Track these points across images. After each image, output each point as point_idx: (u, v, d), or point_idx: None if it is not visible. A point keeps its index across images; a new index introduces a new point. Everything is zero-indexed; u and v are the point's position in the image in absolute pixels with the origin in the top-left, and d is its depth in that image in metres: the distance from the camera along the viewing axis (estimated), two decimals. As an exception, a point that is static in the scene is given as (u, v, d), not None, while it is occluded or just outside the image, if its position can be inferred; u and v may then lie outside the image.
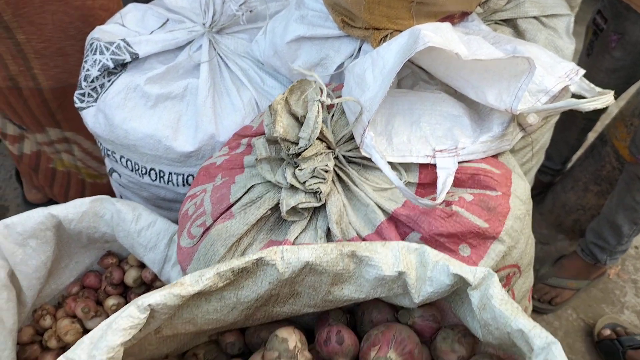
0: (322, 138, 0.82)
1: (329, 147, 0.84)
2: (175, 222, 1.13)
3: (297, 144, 0.80)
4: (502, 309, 0.59)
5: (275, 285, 0.64)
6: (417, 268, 0.65)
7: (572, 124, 1.83)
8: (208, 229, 0.86)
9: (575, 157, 1.95)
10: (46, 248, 1.09)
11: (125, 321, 0.57)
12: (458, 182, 0.84)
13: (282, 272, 0.63)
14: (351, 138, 0.87)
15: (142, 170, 1.15)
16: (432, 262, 0.65)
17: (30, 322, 1.19)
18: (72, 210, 1.07)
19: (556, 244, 1.94)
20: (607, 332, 1.68)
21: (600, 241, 1.66)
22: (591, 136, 1.87)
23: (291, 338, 0.67)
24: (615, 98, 0.86)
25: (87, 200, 1.08)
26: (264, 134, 0.86)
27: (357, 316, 0.75)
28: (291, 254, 0.63)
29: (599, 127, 1.84)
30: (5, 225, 1.04)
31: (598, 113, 1.77)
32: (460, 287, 0.65)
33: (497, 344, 0.63)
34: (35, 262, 1.08)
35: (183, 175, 1.14)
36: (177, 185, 1.15)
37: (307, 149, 0.79)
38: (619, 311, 1.80)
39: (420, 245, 0.67)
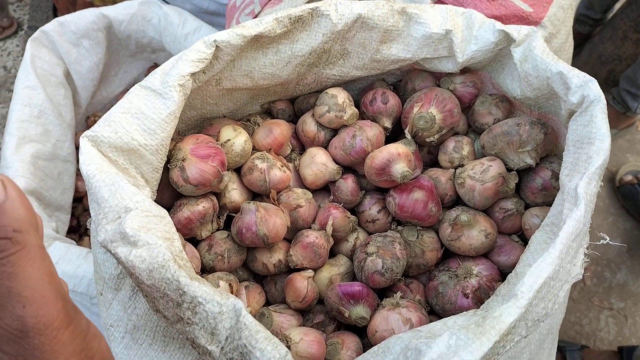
0: None
1: None
2: (219, 32, 1.16)
3: None
4: (543, 56, 0.63)
5: (328, 38, 0.68)
6: (463, 29, 0.69)
7: (619, -35, 1.76)
8: (256, 16, 0.89)
9: (617, 7, 1.89)
10: (98, 50, 1.14)
11: (193, 54, 0.62)
12: (505, -28, 0.84)
13: (336, 22, 0.66)
14: None
15: (186, -22, 1.16)
16: (479, 23, 0.67)
17: (84, 127, 1.28)
18: (122, 12, 1.10)
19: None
20: (629, 177, 1.74)
21: (633, 88, 1.66)
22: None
23: (340, 95, 0.73)
24: None
25: (135, 2, 1.11)
26: None
27: (399, 88, 0.80)
28: (344, 6, 0.66)
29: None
30: (60, 23, 1.08)
31: (649, -48, 1.69)
32: (502, 48, 0.68)
33: (534, 98, 0.67)
34: (88, 62, 1.14)
35: (226, -17, 1.15)
36: (221, -6, 1.17)
37: None
38: (643, 160, 1.84)
39: (467, 10, 0.69)
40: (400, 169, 0.67)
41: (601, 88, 1.74)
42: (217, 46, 0.63)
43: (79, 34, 1.10)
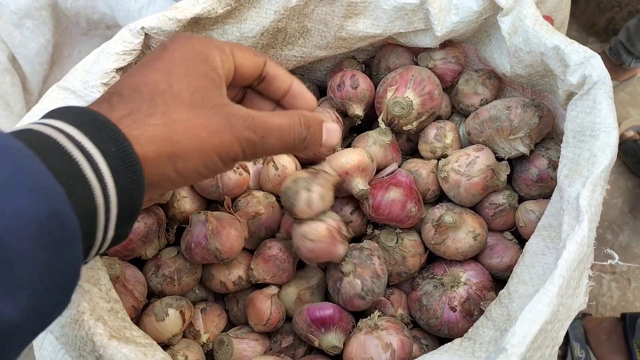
0: None
1: None
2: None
3: None
4: (536, 28, 0.52)
5: (282, 16, 0.57)
6: (441, -3, 0.58)
7: None
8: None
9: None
10: (44, 30, 1.02)
11: (118, 45, 0.52)
12: None
13: (289, -3, 0.56)
14: None
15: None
16: (459, -12, 0.57)
17: (42, 114, 1.17)
18: (65, -14, 0.99)
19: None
20: (631, 133, 1.65)
21: (628, 44, 1.56)
22: None
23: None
24: None
25: (79, -26, 0.99)
26: None
27: (372, 66, 0.70)
28: (299, -23, 0.56)
29: None
30: (-4, 2, 0.97)
31: None
32: (488, 18, 0.58)
33: (526, 75, 0.57)
34: (35, 45, 1.03)
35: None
36: (177, -40, 1.05)
37: None
38: (646, 114, 1.74)
39: (445, -28, 0.59)
40: (355, 187, 0.58)
41: (600, 38, 1.63)
42: (146, 34, 0.53)
43: (20, 14, 0.98)
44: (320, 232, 0.54)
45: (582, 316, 1.43)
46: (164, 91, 0.33)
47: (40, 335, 0.52)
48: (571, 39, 0.52)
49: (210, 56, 0.36)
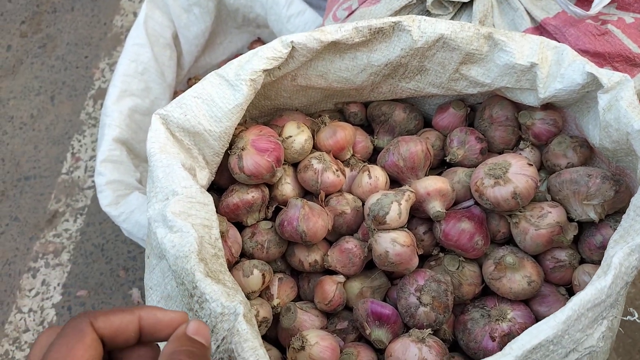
0: None
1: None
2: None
3: None
4: (628, 109, 0.58)
5: (407, 53, 0.67)
6: (551, 65, 0.65)
7: None
8: (352, 12, 0.89)
9: None
10: (207, 18, 1.19)
11: (269, 51, 0.64)
12: (622, 4, 0.78)
13: (416, 39, 0.65)
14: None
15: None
16: (569, 60, 0.63)
17: (185, 88, 1.35)
18: (233, -14, 1.15)
19: None
20: None
21: None
22: None
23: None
24: None
25: (247, -21, 1.15)
26: None
27: (477, 111, 0.77)
28: (428, 24, 0.65)
29: None
30: (175, -11, 1.14)
31: None
32: (590, 91, 0.64)
33: (612, 150, 0.63)
34: (196, 29, 1.20)
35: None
36: (331, -20, 1.17)
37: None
38: None
39: (560, 44, 0.65)
40: (432, 208, 0.66)
41: None
42: (293, 47, 0.64)
43: (191, 1, 1.16)
44: (409, 239, 0.64)
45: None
46: None
47: (154, 262, 0.65)
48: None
49: None
